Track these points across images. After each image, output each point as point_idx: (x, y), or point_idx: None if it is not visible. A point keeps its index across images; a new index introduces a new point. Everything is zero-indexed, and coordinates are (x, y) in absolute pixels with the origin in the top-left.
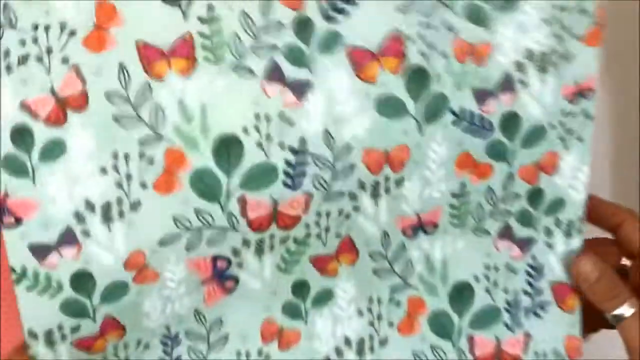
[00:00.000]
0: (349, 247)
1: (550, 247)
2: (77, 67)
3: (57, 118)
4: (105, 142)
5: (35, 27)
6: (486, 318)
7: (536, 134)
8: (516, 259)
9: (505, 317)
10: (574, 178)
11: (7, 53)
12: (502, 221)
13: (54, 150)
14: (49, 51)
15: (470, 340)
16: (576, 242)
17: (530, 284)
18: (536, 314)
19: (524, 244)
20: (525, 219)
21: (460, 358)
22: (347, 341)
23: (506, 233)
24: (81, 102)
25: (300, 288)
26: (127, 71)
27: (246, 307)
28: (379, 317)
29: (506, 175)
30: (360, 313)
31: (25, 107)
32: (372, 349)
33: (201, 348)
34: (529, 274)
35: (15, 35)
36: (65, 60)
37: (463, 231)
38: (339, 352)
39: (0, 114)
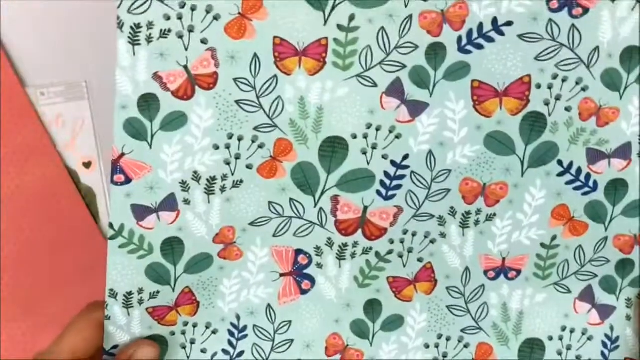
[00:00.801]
0: (428, 276)
1: (629, 319)
2: (213, 50)
3: (185, 93)
4: (224, 122)
5: (183, 6)
6: None
7: None
8: (594, 326)
9: None
10: None
11: (150, 24)
12: (585, 282)
13: (176, 121)
14: (191, 30)
15: None
16: None
17: (603, 354)
18: None
19: (604, 311)
20: (609, 286)
21: None
22: None
23: (588, 295)
24: (211, 82)
25: (372, 307)
26: (259, 62)
27: (317, 315)
28: (445, 356)
29: (601, 238)
30: (426, 347)
31: (157, 77)
32: None
33: (265, 348)
34: (604, 344)
35: (161, 9)
36: (204, 42)
37: (545, 284)
38: None
39: (132, 80)
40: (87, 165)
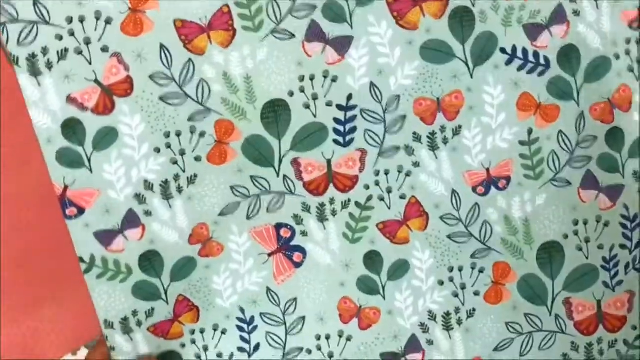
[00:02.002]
0: (417, 211)
1: None
2: (118, 54)
3: (105, 106)
4: (155, 123)
5: (70, 20)
6: (582, 279)
7: (600, 66)
8: (606, 211)
9: (604, 275)
10: None
11: (45, 50)
12: (582, 169)
13: (107, 137)
14: (88, 42)
15: (567, 304)
16: None
17: (626, 236)
18: (638, 269)
19: (613, 192)
20: (608, 164)
21: (558, 324)
22: (432, 315)
23: (590, 181)
24: (126, 87)
25: (372, 260)
26: (168, 51)
27: (320, 284)
28: (463, 287)
29: (577, 115)
30: (441, 284)
31: (72, 100)
32: (459, 321)
33: (279, 333)
34: (623, 225)
35: (50, 30)
36: (105, 49)
37: (541, 183)
38: (424, 327)
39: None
40: None
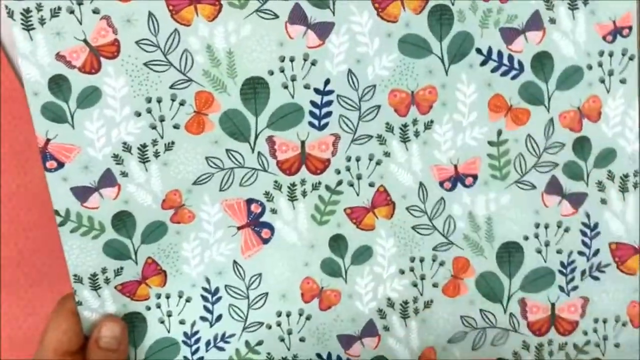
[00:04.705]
0: (384, 199)
1: (605, 203)
2: (107, 17)
3: (92, 66)
4: (138, 87)
5: None
6: (538, 281)
7: (572, 76)
8: (568, 217)
9: (560, 279)
10: (622, 125)
11: (39, 6)
12: (548, 174)
13: (90, 96)
14: (80, 3)
15: (522, 304)
16: (633, 198)
17: (585, 243)
18: (594, 277)
19: (575, 200)
20: (573, 172)
21: (512, 323)
22: (390, 302)
23: (554, 187)
24: (114, 50)
25: (338, 243)
26: (156, 19)
27: (285, 263)
28: (422, 278)
29: (546, 121)
30: (401, 272)
31: (60, 57)
32: (416, 311)
33: (242, 306)
34: (583, 232)
35: None
36: (96, 11)
37: (506, 184)
38: (381, 313)
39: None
40: None
